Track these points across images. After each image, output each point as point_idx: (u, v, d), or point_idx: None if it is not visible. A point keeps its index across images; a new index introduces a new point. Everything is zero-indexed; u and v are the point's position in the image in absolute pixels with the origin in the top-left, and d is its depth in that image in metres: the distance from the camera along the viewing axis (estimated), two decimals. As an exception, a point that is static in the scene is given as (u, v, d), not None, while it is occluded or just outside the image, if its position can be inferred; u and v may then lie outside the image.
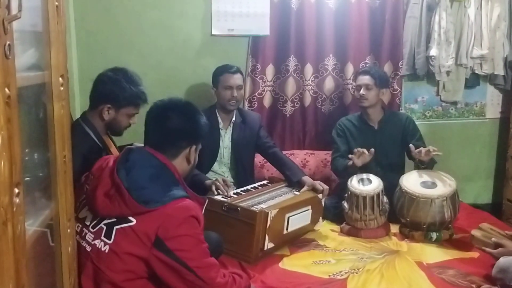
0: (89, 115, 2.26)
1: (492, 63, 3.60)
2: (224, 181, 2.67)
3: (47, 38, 1.28)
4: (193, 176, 2.66)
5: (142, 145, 1.95)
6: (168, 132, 1.82)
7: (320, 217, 2.77)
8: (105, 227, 1.71)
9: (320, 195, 2.69)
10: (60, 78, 1.35)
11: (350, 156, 2.87)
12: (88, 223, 1.76)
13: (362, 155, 2.82)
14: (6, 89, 0.91)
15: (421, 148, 2.79)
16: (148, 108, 1.93)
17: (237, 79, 2.95)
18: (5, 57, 0.90)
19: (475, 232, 2.34)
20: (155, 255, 1.65)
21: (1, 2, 0.88)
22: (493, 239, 2.23)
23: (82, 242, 1.72)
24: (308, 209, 2.58)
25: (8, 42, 0.91)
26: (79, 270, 1.65)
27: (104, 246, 1.68)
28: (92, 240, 1.71)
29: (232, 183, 2.86)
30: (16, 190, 0.96)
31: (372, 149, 2.82)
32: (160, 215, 1.66)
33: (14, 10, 0.94)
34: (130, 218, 1.67)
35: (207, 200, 1.91)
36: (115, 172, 1.69)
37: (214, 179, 2.72)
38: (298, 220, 2.52)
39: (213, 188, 2.63)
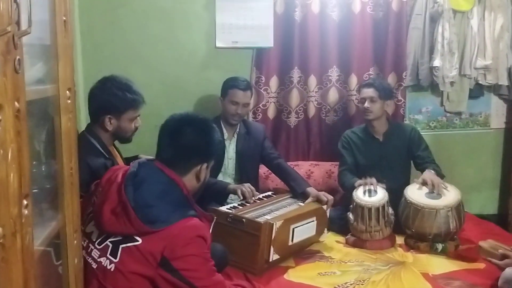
0: (93, 128, 2.27)
1: (496, 73, 3.60)
2: (250, 188, 2.69)
3: (55, 52, 1.30)
4: (213, 184, 2.67)
5: (148, 157, 1.95)
6: (181, 148, 1.80)
7: (325, 228, 2.76)
8: (111, 245, 1.70)
9: (325, 206, 2.69)
10: (68, 91, 1.36)
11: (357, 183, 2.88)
12: (94, 239, 1.75)
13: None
14: (16, 103, 0.92)
15: (426, 179, 2.79)
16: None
17: (244, 96, 2.95)
18: (15, 71, 0.92)
19: (483, 243, 2.33)
20: (161, 274, 1.65)
21: (11, 17, 0.89)
22: (500, 250, 2.22)
23: (88, 259, 1.72)
24: (313, 220, 2.58)
25: (18, 57, 0.93)
26: (85, 286, 1.64)
27: (110, 264, 1.67)
28: (98, 258, 1.70)
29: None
30: (25, 202, 0.97)
31: (374, 179, 2.86)
32: (167, 236, 1.64)
33: (24, 25, 0.95)
34: (136, 237, 1.66)
35: (215, 217, 1.89)
36: (123, 189, 1.68)
37: (238, 184, 2.77)
38: (303, 231, 2.52)
39: (239, 192, 2.66)
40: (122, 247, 1.67)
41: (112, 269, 1.66)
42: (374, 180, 2.84)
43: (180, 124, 1.83)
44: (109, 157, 2.24)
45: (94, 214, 1.77)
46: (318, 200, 2.72)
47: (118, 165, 2.03)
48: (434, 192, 2.74)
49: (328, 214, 2.73)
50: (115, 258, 1.67)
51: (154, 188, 1.71)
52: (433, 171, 2.85)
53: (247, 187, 2.70)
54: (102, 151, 2.22)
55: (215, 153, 1.90)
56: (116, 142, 2.38)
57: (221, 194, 2.72)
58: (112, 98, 2.19)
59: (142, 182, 1.71)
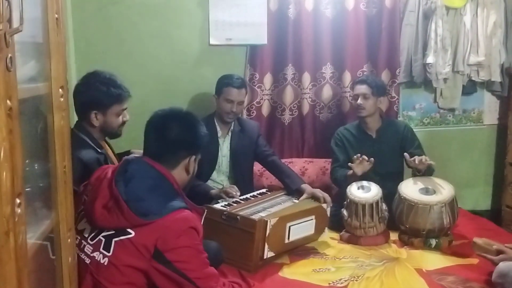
0: (82, 124, 2.26)
1: (489, 69, 3.62)
2: (231, 187, 2.71)
3: (47, 49, 1.29)
4: (196, 186, 2.68)
5: (140, 151, 1.96)
6: (168, 142, 1.82)
7: (326, 228, 2.73)
8: (103, 239, 1.71)
9: (324, 205, 2.68)
10: (60, 89, 1.36)
11: (350, 164, 2.88)
12: (86, 235, 1.76)
13: (362, 162, 2.83)
14: (8, 101, 0.92)
15: (415, 157, 2.80)
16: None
17: (240, 94, 2.94)
18: (6, 69, 0.92)
19: (477, 239, 2.34)
20: (155, 267, 1.66)
21: (2, 16, 0.89)
22: (494, 246, 2.24)
23: (81, 255, 1.72)
24: (312, 219, 2.56)
25: (9, 55, 0.93)
26: (79, 282, 1.64)
27: (103, 258, 1.68)
28: (91, 253, 1.71)
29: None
30: (18, 201, 0.97)
31: (372, 158, 2.83)
32: (159, 227, 1.66)
33: (15, 23, 0.95)
34: (129, 230, 1.67)
35: (205, 210, 1.91)
36: (114, 184, 1.69)
37: (220, 188, 2.76)
38: (300, 229, 2.51)
39: (224, 196, 2.66)
40: (115, 241, 1.68)
41: (105, 263, 1.67)
42: (364, 157, 2.83)
43: (165, 119, 1.86)
44: (101, 151, 2.22)
45: (85, 211, 1.78)
46: (313, 197, 2.72)
47: (106, 165, 2.05)
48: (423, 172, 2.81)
49: (328, 213, 2.71)
50: (108, 252, 1.68)
51: (144, 182, 1.73)
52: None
53: (227, 188, 2.71)
54: (93, 145, 2.21)
55: (202, 145, 1.91)
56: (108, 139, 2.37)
57: (203, 197, 2.71)
58: (96, 93, 2.18)
59: (132, 177, 1.73)
